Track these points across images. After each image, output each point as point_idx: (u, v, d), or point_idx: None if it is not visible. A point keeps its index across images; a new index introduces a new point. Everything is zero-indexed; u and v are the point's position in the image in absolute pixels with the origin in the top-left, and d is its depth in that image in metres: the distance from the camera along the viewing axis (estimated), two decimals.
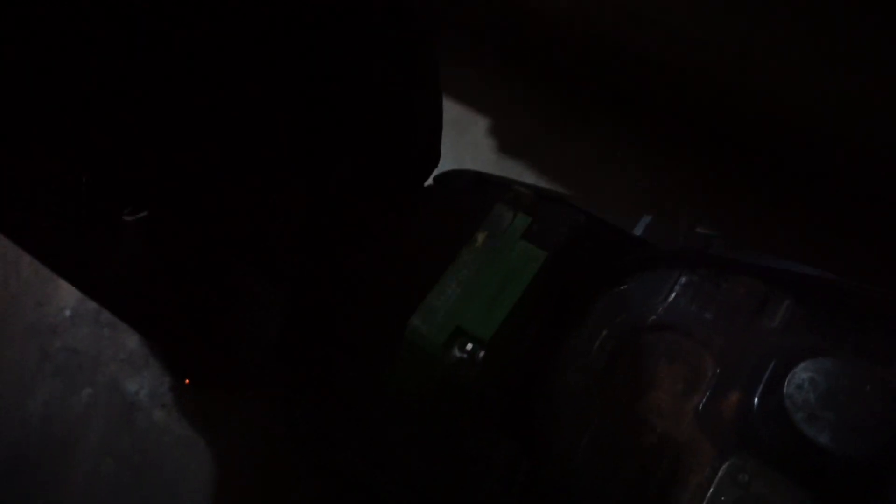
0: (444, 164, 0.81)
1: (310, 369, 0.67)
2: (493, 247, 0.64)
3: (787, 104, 1.08)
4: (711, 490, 0.53)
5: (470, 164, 0.81)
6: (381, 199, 0.67)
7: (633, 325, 0.62)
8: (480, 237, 0.65)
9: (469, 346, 0.59)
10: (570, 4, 1.20)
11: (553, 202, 0.68)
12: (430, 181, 0.75)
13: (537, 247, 0.64)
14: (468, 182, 0.71)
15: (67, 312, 1.35)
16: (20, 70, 0.40)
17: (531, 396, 0.61)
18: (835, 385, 0.53)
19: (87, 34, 0.40)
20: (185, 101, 0.47)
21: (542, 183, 1.28)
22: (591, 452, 0.57)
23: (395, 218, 0.68)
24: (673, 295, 0.64)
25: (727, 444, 0.55)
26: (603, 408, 0.59)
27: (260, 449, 1.13)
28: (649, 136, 1.34)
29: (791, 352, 0.57)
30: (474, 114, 1.45)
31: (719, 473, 0.54)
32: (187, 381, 0.95)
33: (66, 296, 1.36)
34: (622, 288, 0.65)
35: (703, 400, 0.58)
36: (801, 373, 0.54)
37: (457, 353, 0.59)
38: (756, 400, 0.56)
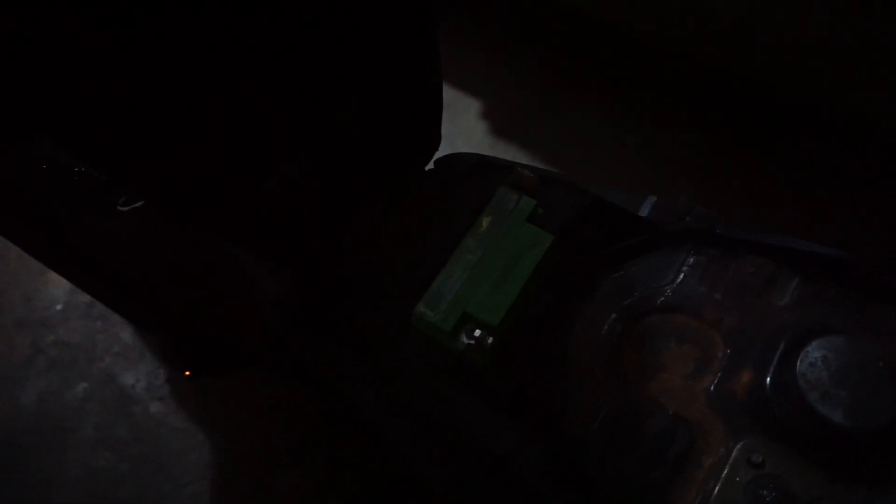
0: (439, 150, 0.80)
1: (311, 358, 0.65)
2: (498, 231, 0.63)
3: (789, 80, 1.07)
4: (726, 471, 0.53)
5: (465, 149, 0.79)
6: (381, 183, 0.66)
7: (642, 306, 0.62)
8: (485, 221, 0.64)
9: (477, 332, 0.58)
10: None
11: (557, 184, 0.67)
12: (430, 165, 0.74)
13: (543, 230, 0.62)
14: (470, 165, 0.70)
15: (58, 306, 1.33)
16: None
17: (540, 380, 0.60)
18: (847, 362, 0.53)
19: None
20: (179, 68, 0.46)
21: (541, 164, 1.27)
22: (602, 436, 0.57)
23: (396, 202, 0.67)
24: (681, 276, 0.63)
25: (740, 424, 0.55)
26: (613, 391, 0.58)
27: (259, 439, 1.12)
28: (648, 114, 1.33)
29: (802, 330, 0.56)
30: (468, 97, 1.43)
31: (733, 454, 0.54)
32: (187, 373, 0.94)
33: (56, 290, 1.34)
34: (629, 270, 0.64)
35: (715, 380, 0.57)
36: (814, 351, 0.54)
37: (465, 339, 0.58)
38: (768, 379, 0.55)
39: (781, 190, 1.20)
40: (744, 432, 0.55)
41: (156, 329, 0.85)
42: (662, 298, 0.62)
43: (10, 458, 1.18)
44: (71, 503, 1.12)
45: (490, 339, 0.58)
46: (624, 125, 1.32)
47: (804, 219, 1.15)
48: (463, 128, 1.39)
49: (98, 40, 0.41)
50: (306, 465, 1.07)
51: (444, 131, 0.79)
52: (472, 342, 0.58)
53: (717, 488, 0.52)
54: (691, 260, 0.64)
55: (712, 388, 0.57)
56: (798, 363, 0.54)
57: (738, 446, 0.54)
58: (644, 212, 0.65)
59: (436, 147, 0.72)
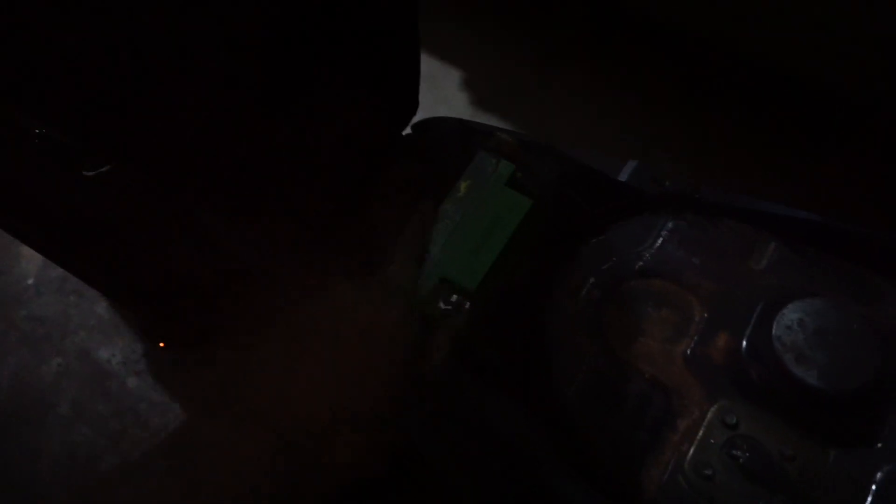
0: (418, 119, 0.78)
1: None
2: (477, 195, 0.62)
3: (773, 50, 1.06)
4: (701, 432, 0.53)
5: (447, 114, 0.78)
6: (357, 147, 0.64)
7: (621, 271, 0.61)
8: (463, 186, 0.63)
9: (454, 297, 0.58)
10: None
11: (537, 149, 0.66)
12: (408, 130, 0.72)
13: (522, 194, 0.62)
14: (449, 130, 0.68)
15: (30, 281, 1.30)
16: None
17: (520, 345, 0.60)
18: (823, 325, 0.53)
19: None
20: (151, 19, 0.44)
21: (522, 130, 1.26)
22: (581, 400, 0.57)
23: (372, 167, 0.65)
24: (660, 241, 0.63)
25: (716, 386, 0.55)
26: (593, 355, 0.58)
27: (237, 411, 1.11)
28: (632, 84, 1.32)
29: (779, 293, 0.56)
30: (449, 67, 1.41)
31: (708, 415, 0.54)
32: (161, 344, 0.92)
33: (28, 264, 1.31)
34: (609, 234, 0.64)
35: (692, 344, 0.58)
36: (790, 314, 0.54)
37: (442, 304, 0.58)
38: (745, 342, 0.56)
39: (763, 159, 1.20)
40: (720, 395, 0.55)
41: (128, 299, 0.83)
42: (641, 263, 0.62)
43: None
44: (52, 479, 1.11)
45: (468, 304, 0.57)
46: (608, 95, 1.31)
47: (785, 187, 1.15)
48: (444, 98, 1.37)
49: None
50: None
51: (425, 102, 0.77)
52: (450, 307, 0.57)
53: (692, 450, 0.53)
54: (670, 225, 0.63)
55: (689, 351, 0.57)
56: (774, 326, 0.54)
57: (713, 408, 0.54)
58: (624, 176, 0.64)
59: (413, 111, 0.70)
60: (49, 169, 0.61)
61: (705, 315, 0.59)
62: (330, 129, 0.63)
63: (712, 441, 0.53)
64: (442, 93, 1.39)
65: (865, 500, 0.50)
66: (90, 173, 0.59)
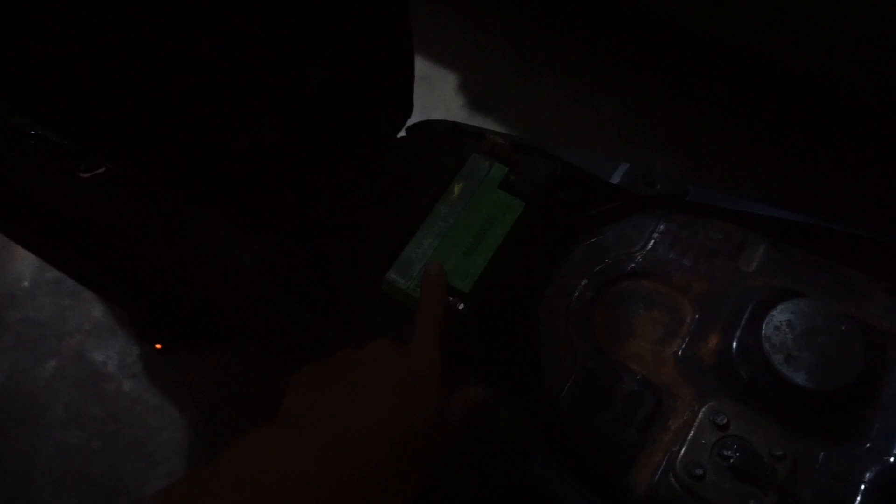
0: (414, 121, 0.79)
1: (282, 325, 0.65)
2: (470, 197, 0.63)
3: (766, 47, 1.07)
4: (692, 432, 0.54)
5: (440, 118, 0.79)
6: (352, 149, 0.65)
7: (613, 272, 0.62)
8: (457, 188, 0.63)
9: (448, 299, 0.58)
10: None
11: (529, 151, 0.66)
12: (402, 133, 0.73)
13: (515, 196, 0.62)
14: (442, 132, 0.69)
15: (25, 283, 1.30)
16: None
17: (513, 344, 0.60)
18: (811, 325, 0.54)
19: None
20: (146, 26, 0.44)
21: (516, 131, 1.27)
22: (572, 400, 0.57)
23: (368, 168, 0.66)
24: (651, 242, 0.63)
25: (707, 387, 0.56)
26: (584, 355, 0.58)
27: (234, 412, 1.11)
28: (624, 83, 1.33)
29: (768, 294, 0.57)
30: (444, 69, 1.42)
31: (699, 416, 0.54)
32: (158, 346, 0.93)
33: (23, 266, 1.31)
34: (601, 236, 0.65)
35: (683, 345, 0.58)
36: (779, 314, 0.55)
37: None
38: (734, 343, 0.56)
39: (755, 154, 1.21)
40: (710, 395, 0.55)
41: (125, 301, 0.83)
42: (633, 265, 0.62)
43: None
44: (45, 480, 1.11)
45: (461, 306, 0.58)
46: (602, 94, 1.32)
47: (778, 182, 1.16)
48: (439, 99, 1.38)
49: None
50: None
51: (421, 103, 0.78)
52: None
53: (682, 450, 0.53)
54: (661, 227, 0.64)
55: (680, 352, 0.58)
56: (763, 327, 0.54)
57: (704, 408, 0.55)
58: (616, 178, 0.65)
59: (408, 114, 0.71)
60: (44, 170, 0.61)
61: (696, 316, 0.59)
62: (325, 129, 0.64)
63: (703, 441, 0.53)
64: (437, 94, 1.39)
65: (855, 499, 0.50)
66: (86, 175, 0.60)
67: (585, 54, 1.36)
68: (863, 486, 0.50)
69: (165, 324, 0.84)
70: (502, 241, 0.60)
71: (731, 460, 0.51)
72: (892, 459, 0.50)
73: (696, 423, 0.54)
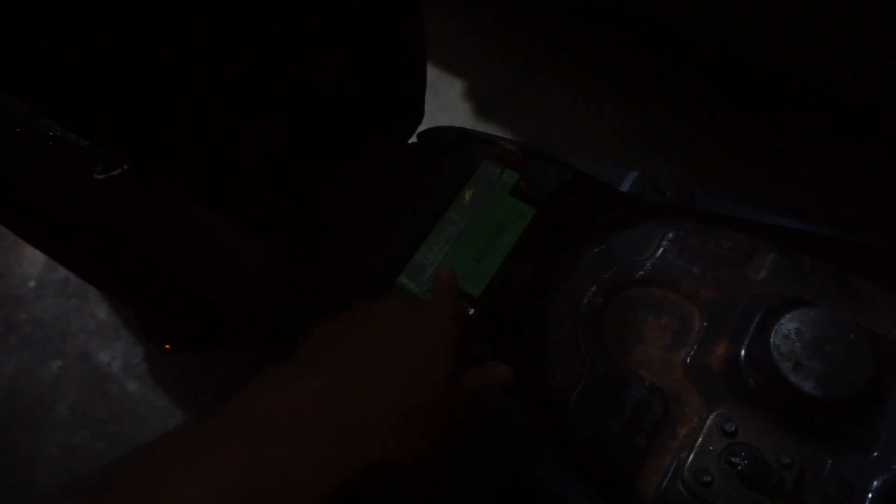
0: (420, 127, 0.79)
1: (289, 328, 0.65)
2: (481, 203, 0.63)
3: (772, 53, 1.08)
4: (700, 439, 0.54)
5: (447, 124, 0.80)
6: (364, 154, 0.66)
7: (622, 279, 0.62)
8: (468, 194, 0.64)
9: (459, 301, 0.58)
10: None
11: (539, 158, 0.67)
12: (413, 139, 0.73)
13: (525, 203, 0.63)
14: (453, 138, 0.69)
15: (31, 283, 1.31)
16: None
17: (522, 350, 0.61)
18: (819, 334, 0.54)
19: None
20: (161, 26, 0.45)
21: (521, 137, 1.28)
22: (581, 404, 0.58)
23: (379, 173, 0.66)
24: (660, 250, 0.64)
25: (715, 394, 0.56)
26: (593, 361, 0.59)
27: None
28: (629, 90, 1.34)
29: (777, 303, 0.57)
30: (450, 75, 1.42)
31: (707, 423, 0.55)
32: (167, 346, 0.93)
33: (30, 266, 1.31)
34: (610, 243, 0.65)
35: (691, 352, 0.58)
36: (788, 323, 0.55)
37: None
38: (743, 351, 0.56)
39: (759, 163, 1.22)
40: (718, 402, 0.56)
41: (134, 301, 0.84)
42: (642, 272, 0.63)
43: None
44: (49, 481, 1.11)
45: (471, 311, 0.58)
46: (605, 100, 1.33)
47: (785, 191, 1.17)
48: (445, 105, 1.39)
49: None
50: None
51: (426, 109, 0.78)
52: None
53: (691, 456, 0.53)
54: (670, 234, 0.64)
55: (689, 359, 0.58)
56: (772, 335, 0.55)
57: (712, 415, 0.55)
58: (625, 186, 0.65)
59: (419, 120, 0.71)
60: (59, 171, 0.62)
61: (704, 323, 0.60)
62: (335, 133, 0.64)
63: (711, 448, 0.54)
64: (442, 101, 1.40)
65: None
66: (100, 176, 0.60)
67: (590, 60, 1.37)
68: (870, 495, 0.51)
69: (173, 325, 0.84)
70: (512, 247, 0.60)
71: (740, 467, 0.52)
72: None
73: (704, 430, 0.54)
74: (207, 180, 0.56)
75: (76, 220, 0.64)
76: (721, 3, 1.06)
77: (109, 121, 0.46)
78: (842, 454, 0.52)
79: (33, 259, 1.30)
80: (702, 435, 0.54)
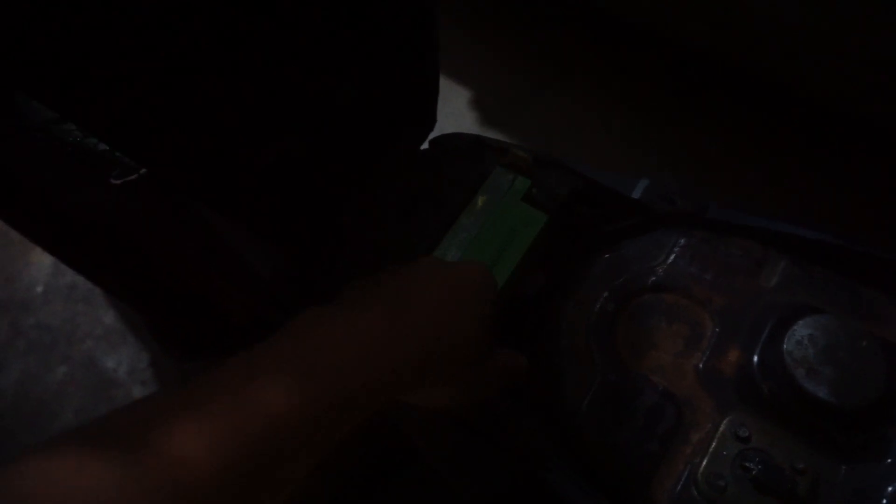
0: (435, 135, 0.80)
1: None
2: (493, 210, 0.64)
3: (775, 64, 1.09)
4: (713, 445, 0.54)
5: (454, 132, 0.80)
6: (376, 161, 0.66)
7: (634, 286, 0.63)
8: (480, 200, 0.64)
9: None
10: None
11: (551, 165, 0.67)
12: (425, 145, 0.74)
13: (537, 209, 0.63)
14: (465, 145, 0.70)
15: (39, 289, 1.31)
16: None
17: (533, 356, 0.61)
18: (833, 341, 0.54)
19: None
20: (179, 39, 0.45)
21: (527, 146, 1.29)
22: (593, 412, 0.58)
23: (392, 180, 0.67)
24: (672, 257, 0.64)
25: (728, 400, 0.56)
26: (605, 367, 0.59)
27: None
28: (635, 99, 1.35)
29: (789, 310, 0.58)
30: (456, 84, 1.43)
31: (720, 428, 0.55)
32: (177, 353, 0.93)
33: (37, 272, 1.32)
34: (622, 250, 0.65)
35: (704, 358, 0.59)
36: (801, 330, 0.55)
37: None
38: (755, 357, 0.57)
39: (766, 174, 1.22)
40: (731, 408, 0.56)
41: (145, 307, 0.84)
42: (654, 278, 0.63)
43: None
44: None
45: None
46: (610, 111, 1.34)
47: (790, 202, 1.17)
48: (452, 114, 1.39)
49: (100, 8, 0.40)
50: None
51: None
52: None
53: (704, 461, 0.54)
54: (682, 241, 0.65)
55: (701, 365, 0.58)
56: (785, 341, 0.55)
57: (725, 421, 0.55)
58: (637, 194, 0.66)
59: (431, 127, 0.72)
60: (77, 175, 0.62)
61: (717, 330, 0.60)
62: (350, 143, 0.65)
63: (724, 453, 0.54)
64: (449, 110, 1.41)
65: None
66: (117, 181, 0.61)
67: (596, 71, 1.38)
68: (884, 502, 0.51)
69: (185, 332, 0.84)
70: (525, 253, 0.61)
71: (753, 472, 0.52)
72: None
73: (717, 436, 0.55)
74: (222, 188, 0.56)
75: (91, 224, 0.64)
76: (725, 18, 1.07)
77: (125, 122, 0.47)
78: (855, 461, 0.53)
79: (41, 264, 1.30)
80: (715, 440, 0.54)
